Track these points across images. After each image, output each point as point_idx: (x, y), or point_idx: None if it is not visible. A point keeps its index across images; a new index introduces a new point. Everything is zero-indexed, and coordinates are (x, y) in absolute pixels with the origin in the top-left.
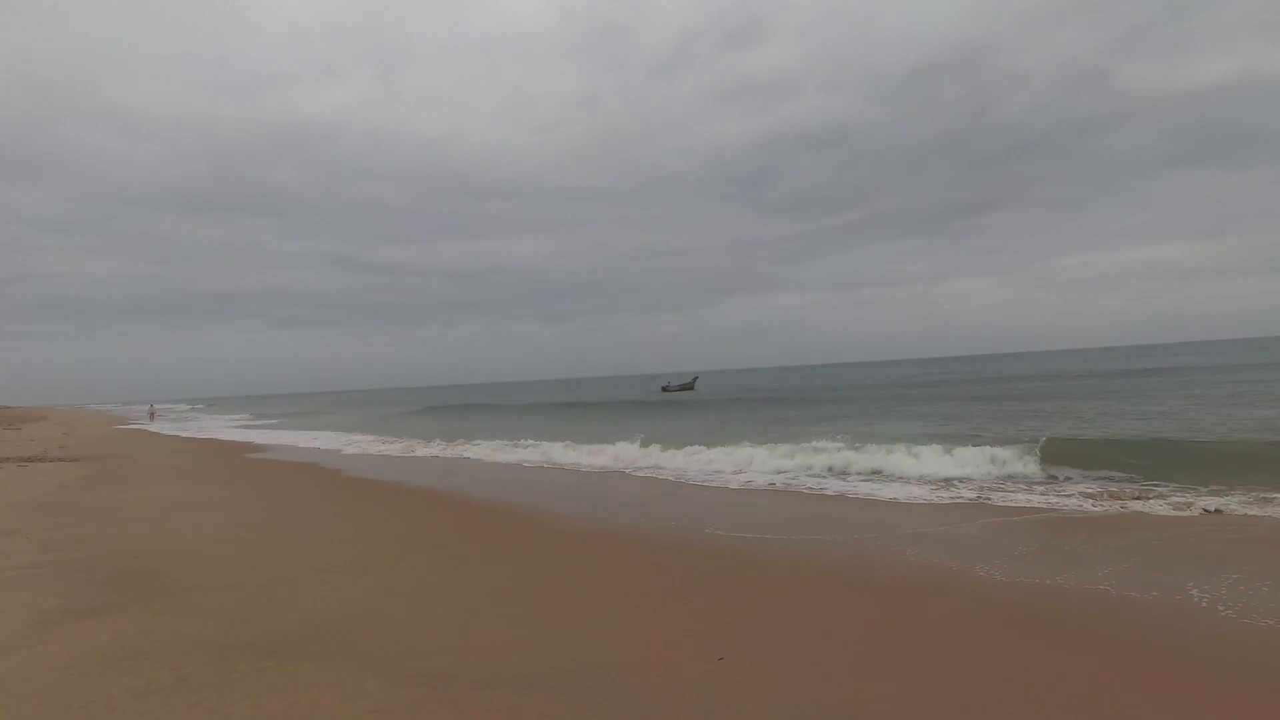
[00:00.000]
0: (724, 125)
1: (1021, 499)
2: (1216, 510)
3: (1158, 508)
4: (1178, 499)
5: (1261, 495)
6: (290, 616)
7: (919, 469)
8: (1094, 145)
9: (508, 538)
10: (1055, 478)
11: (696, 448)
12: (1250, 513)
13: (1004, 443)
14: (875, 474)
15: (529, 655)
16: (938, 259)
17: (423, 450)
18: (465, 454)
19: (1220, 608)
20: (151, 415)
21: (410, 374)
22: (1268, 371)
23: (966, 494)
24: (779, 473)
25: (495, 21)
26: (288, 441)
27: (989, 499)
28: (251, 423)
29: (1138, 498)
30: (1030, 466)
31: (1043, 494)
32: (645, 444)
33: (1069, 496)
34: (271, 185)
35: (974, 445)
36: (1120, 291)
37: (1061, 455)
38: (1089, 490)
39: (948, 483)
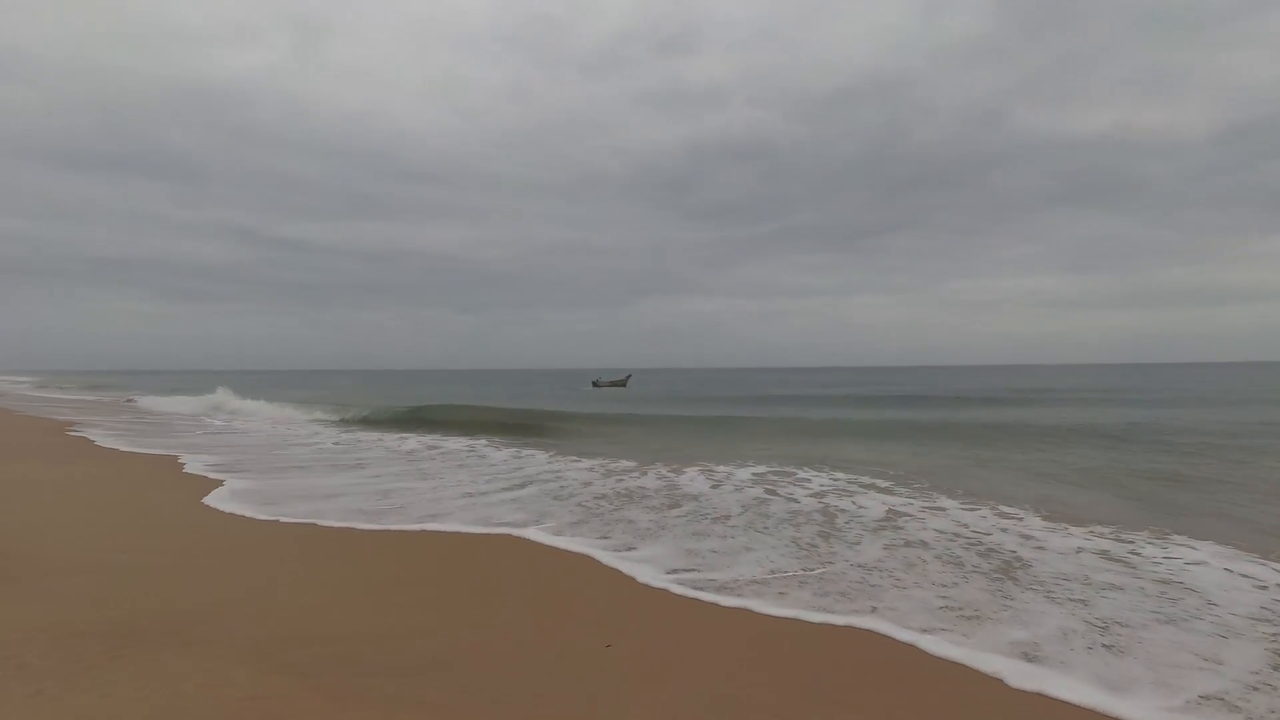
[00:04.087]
0: (652, 129)
1: None
2: None
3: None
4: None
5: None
6: (152, 603)
7: None
8: (989, 180)
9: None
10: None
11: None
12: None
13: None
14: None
15: (415, 644)
16: (845, 275)
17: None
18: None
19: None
20: None
21: (314, 356)
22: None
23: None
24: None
25: (426, 1)
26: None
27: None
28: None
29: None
30: None
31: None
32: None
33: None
34: (169, 147)
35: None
36: (1006, 315)
37: None
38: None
39: None
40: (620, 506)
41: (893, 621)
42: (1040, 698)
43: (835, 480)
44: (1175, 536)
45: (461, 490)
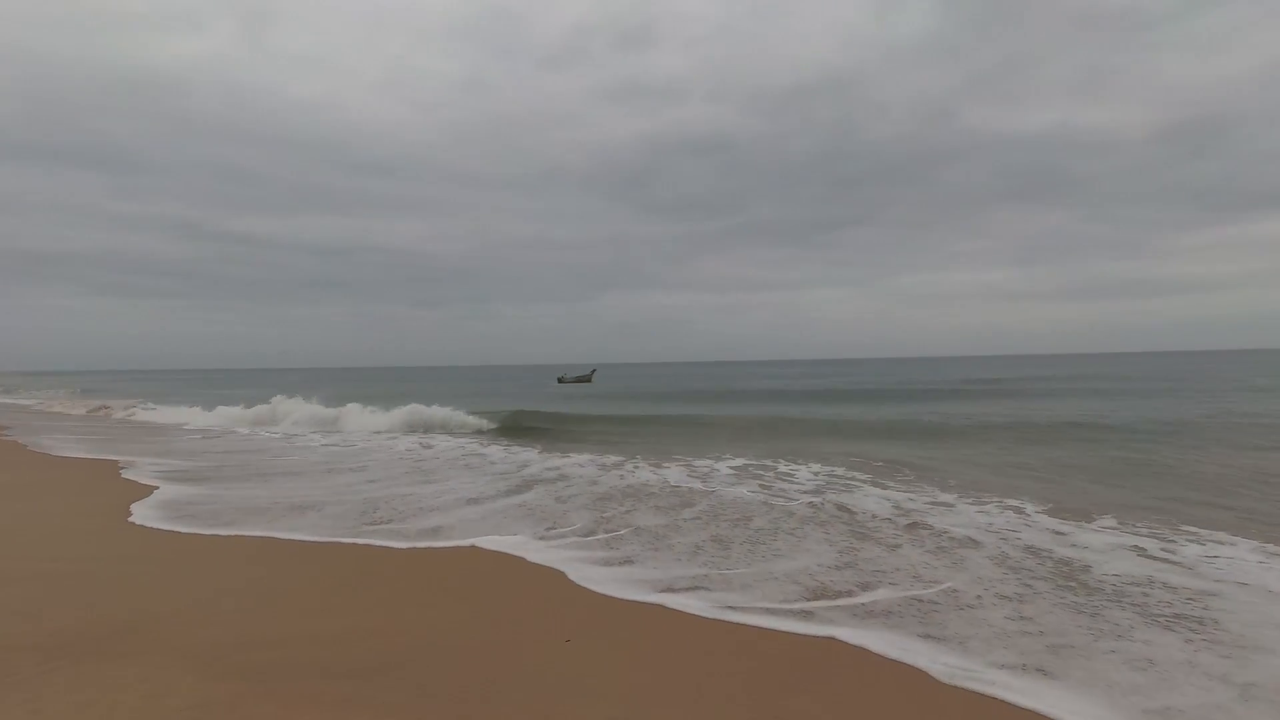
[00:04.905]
0: (612, 123)
1: None
2: None
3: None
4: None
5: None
6: (90, 613)
7: None
8: (939, 176)
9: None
10: None
11: None
12: None
13: None
14: None
15: (371, 645)
16: (803, 269)
17: None
18: None
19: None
20: None
21: (263, 354)
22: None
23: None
24: None
25: None
26: None
27: None
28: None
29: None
30: None
31: None
32: None
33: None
34: (103, 136)
35: None
36: (956, 308)
37: None
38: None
39: None
40: (632, 509)
41: (964, 654)
42: None
43: (817, 474)
44: (1186, 528)
45: (463, 495)
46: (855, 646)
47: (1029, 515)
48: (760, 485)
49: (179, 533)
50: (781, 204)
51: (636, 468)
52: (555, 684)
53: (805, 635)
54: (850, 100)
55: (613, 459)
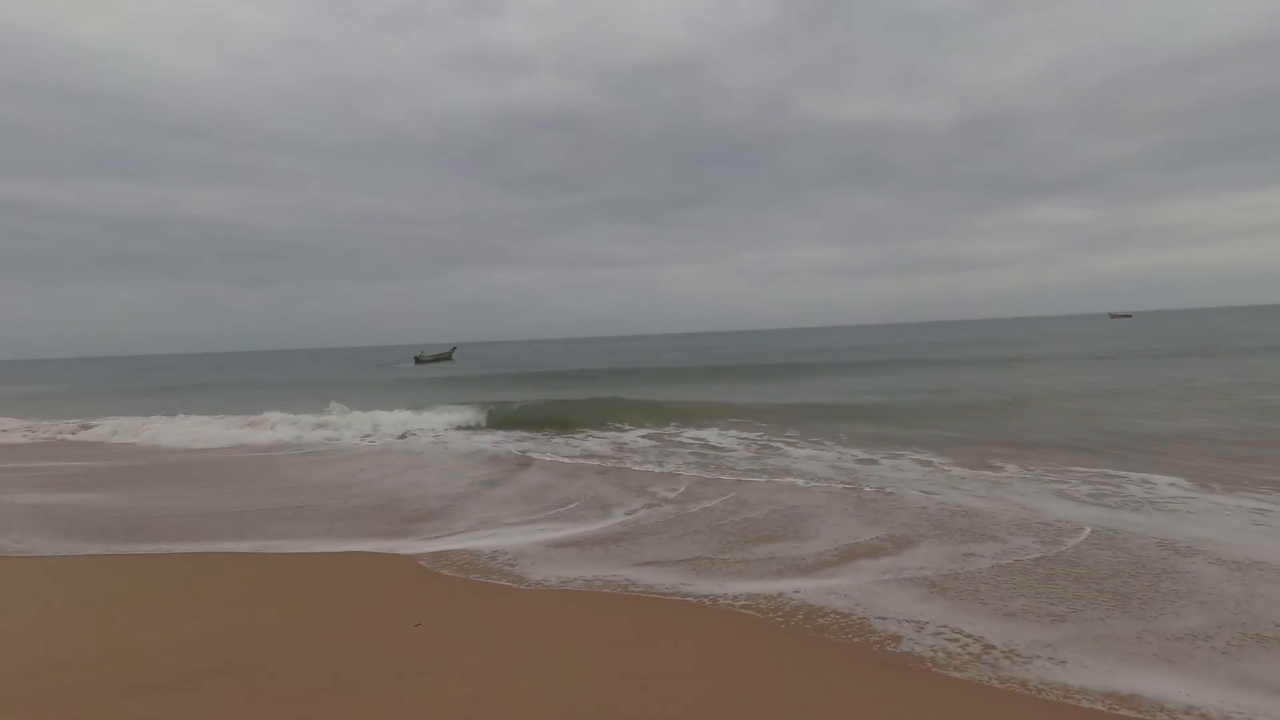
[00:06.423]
0: (457, 92)
1: None
2: None
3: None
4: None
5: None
6: None
7: None
8: (777, 159)
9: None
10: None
11: None
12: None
13: None
14: None
15: (197, 652)
16: (654, 246)
17: None
18: None
19: None
20: None
21: (48, 343)
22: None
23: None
24: None
25: None
26: None
27: None
28: None
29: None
30: None
31: None
32: None
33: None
34: None
35: None
36: (793, 283)
37: None
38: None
39: None
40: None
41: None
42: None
43: (726, 437)
44: (1076, 469)
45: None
46: (708, 605)
47: (943, 468)
48: (693, 454)
49: None
50: (632, 182)
51: (569, 443)
52: (407, 670)
53: (661, 597)
54: (696, 82)
55: (523, 433)
